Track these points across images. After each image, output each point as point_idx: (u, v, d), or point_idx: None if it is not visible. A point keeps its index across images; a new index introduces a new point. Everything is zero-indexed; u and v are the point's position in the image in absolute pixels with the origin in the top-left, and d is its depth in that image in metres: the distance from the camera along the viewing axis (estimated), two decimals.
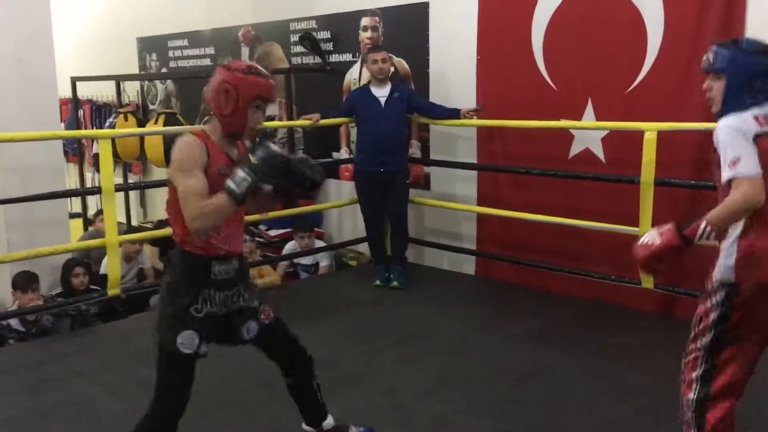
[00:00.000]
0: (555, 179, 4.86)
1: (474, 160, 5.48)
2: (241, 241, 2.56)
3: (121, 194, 7.32)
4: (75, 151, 8.44)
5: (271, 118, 6.61)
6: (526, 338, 4.21)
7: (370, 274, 5.44)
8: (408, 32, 5.73)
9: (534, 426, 3.18)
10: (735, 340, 2.27)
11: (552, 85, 4.98)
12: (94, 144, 7.48)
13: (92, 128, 8.61)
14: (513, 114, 5.01)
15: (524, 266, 5.15)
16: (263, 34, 7.04)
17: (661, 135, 4.17)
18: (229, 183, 2.27)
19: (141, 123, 7.79)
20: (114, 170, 6.36)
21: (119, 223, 5.06)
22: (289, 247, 5.98)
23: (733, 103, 2.25)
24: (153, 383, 2.47)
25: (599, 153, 4.82)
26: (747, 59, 2.25)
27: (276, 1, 6.90)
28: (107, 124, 8.13)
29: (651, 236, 2.28)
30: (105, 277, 4.78)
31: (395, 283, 5.23)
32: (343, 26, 6.24)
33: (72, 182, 8.14)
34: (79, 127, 8.30)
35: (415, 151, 5.81)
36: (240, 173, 2.27)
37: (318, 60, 6.40)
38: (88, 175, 8.29)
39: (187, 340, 2.38)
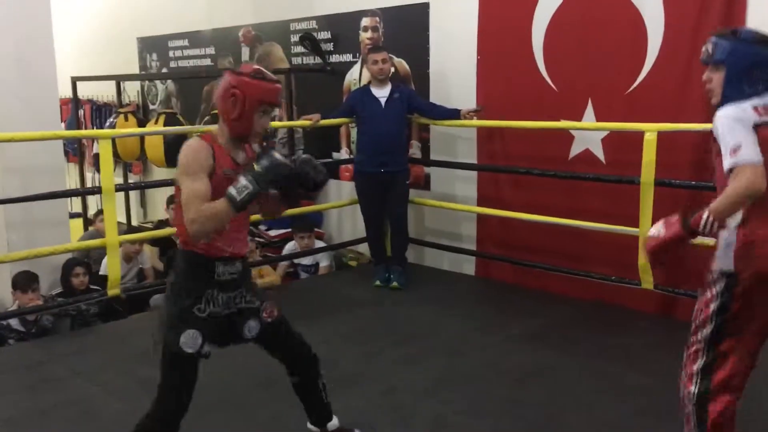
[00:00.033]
0: (555, 180, 4.85)
1: (474, 161, 5.48)
2: (245, 243, 2.57)
3: (121, 194, 7.32)
4: (75, 151, 8.44)
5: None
6: (526, 338, 4.21)
7: (370, 275, 5.44)
8: (408, 32, 5.73)
9: (534, 426, 3.18)
10: (735, 331, 2.28)
11: (552, 85, 4.98)
12: (95, 144, 7.49)
13: (92, 128, 8.61)
14: (513, 114, 5.01)
15: (524, 267, 5.15)
16: (263, 34, 7.04)
17: (662, 136, 4.17)
18: (231, 190, 2.29)
19: (141, 123, 7.79)
20: (114, 170, 6.38)
21: (119, 223, 5.05)
22: (289, 247, 5.98)
23: (732, 93, 2.25)
24: (153, 383, 2.48)
25: (599, 153, 4.82)
26: (746, 49, 2.26)
27: (276, 1, 6.90)
28: (107, 124, 8.14)
29: (657, 228, 2.31)
30: (105, 277, 4.78)
31: (395, 284, 5.23)
32: (343, 26, 6.24)
33: (72, 182, 8.13)
34: (79, 127, 8.30)
35: (415, 151, 5.81)
36: (242, 181, 2.29)
37: (318, 60, 6.40)
38: (89, 175, 8.29)
39: (189, 340, 2.39)
